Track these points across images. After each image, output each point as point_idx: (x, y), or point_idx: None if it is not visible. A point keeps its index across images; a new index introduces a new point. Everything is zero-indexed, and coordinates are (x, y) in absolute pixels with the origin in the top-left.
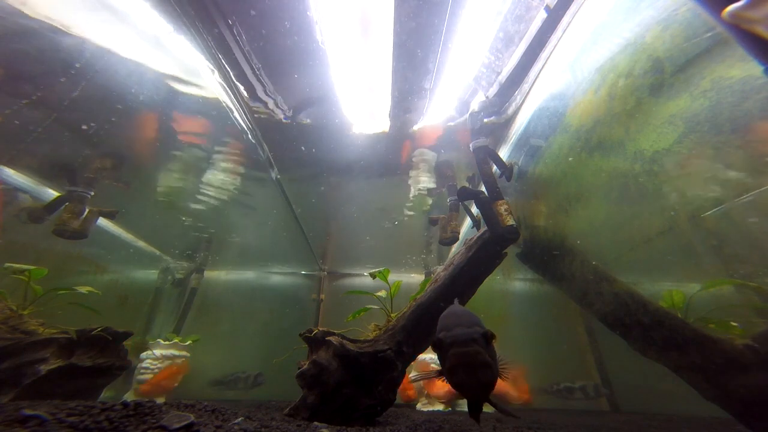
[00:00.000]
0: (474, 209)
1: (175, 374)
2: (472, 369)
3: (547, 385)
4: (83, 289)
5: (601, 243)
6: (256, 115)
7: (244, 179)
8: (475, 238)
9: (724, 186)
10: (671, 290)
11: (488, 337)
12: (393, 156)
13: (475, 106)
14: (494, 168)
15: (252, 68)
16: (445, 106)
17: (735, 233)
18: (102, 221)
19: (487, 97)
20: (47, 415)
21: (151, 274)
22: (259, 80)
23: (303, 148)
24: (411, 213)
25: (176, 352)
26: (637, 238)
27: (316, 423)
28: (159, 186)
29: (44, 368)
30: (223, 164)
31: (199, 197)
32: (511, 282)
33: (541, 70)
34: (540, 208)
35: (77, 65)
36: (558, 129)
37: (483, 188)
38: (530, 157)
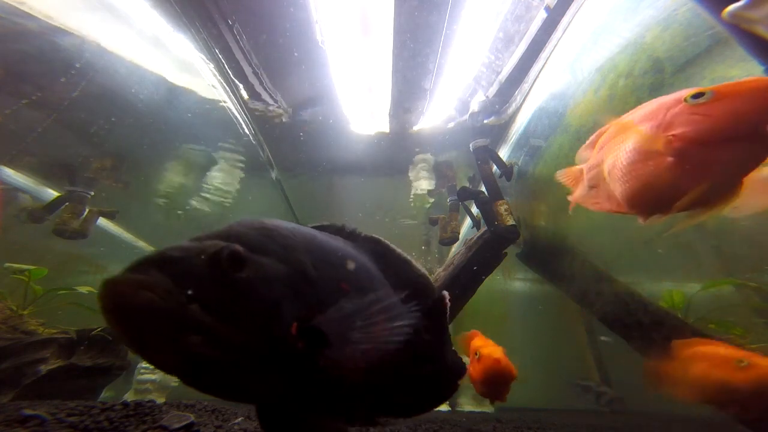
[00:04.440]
0: (474, 209)
1: None
2: (132, 322)
3: (576, 377)
4: (83, 289)
5: (601, 243)
6: (256, 115)
7: (244, 179)
8: (475, 238)
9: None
10: (671, 290)
11: (219, 261)
12: (393, 156)
13: (475, 106)
14: (494, 168)
15: (252, 68)
16: (445, 106)
17: (735, 233)
18: (102, 221)
19: (487, 97)
20: (47, 415)
21: None
22: (259, 80)
23: (303, 147)
24: (411, 213)
25: None
26: (637, 238)
27: None
28: (158, 185)
29: (44, 368)
30: (223, 164)
31: (199, 197)
32: (511, 282)
33: (541, 70)
34: (540, 208)
35: (77, 65)
36: (558, 129)
37: (483, 188)
38: (530, 157)
